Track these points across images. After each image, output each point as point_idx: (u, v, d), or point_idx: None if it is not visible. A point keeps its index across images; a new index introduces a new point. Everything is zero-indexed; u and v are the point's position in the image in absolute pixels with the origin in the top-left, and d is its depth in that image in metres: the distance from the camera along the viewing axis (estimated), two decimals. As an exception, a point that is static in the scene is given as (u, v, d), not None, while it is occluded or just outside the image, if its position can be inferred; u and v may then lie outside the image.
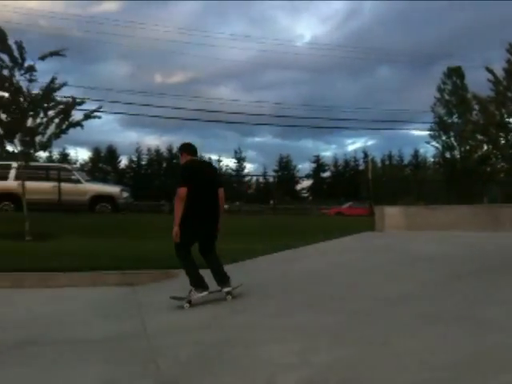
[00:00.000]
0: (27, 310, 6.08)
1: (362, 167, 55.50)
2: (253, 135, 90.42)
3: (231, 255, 7.91)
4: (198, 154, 6.31)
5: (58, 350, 4.37)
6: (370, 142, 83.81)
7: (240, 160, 57.10)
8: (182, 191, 5.48)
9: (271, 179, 50.40)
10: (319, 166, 59.92)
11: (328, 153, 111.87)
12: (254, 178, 56.14)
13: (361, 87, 77.62)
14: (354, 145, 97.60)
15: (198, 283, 5.66)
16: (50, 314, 5.91)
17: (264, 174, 55.27)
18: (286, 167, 58.74)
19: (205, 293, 5.66)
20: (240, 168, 57.00)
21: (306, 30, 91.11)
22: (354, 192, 40.66)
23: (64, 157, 50.94)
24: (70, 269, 7.86)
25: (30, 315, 5.82)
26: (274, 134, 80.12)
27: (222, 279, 5.73)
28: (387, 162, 58.04)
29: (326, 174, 60.85)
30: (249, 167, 65.14)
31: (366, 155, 56.90)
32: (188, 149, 5.95)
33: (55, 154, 50.16)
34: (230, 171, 55.35)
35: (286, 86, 78.91)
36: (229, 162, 67.99)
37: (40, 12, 60.71)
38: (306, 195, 57.67)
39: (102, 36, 62.28)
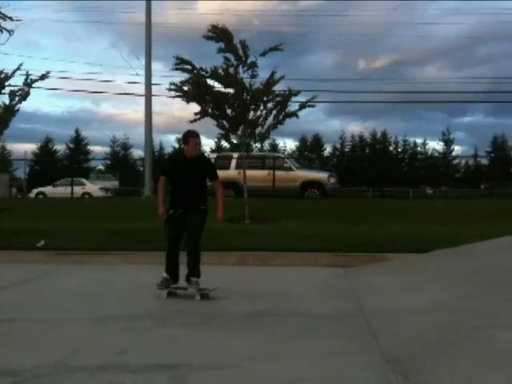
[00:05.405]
0: (251, 285, 6.69)
1: None
2: (462, 115, 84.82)
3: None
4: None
5: (286, 322, 4.87)
6: None
7: (448, 142, 53.58)
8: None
9: (484, 161, 46.15)
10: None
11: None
12: (463, 161, 52.38)
13: None
14: None
15: None
16: (273, 289, 6.41)
17: (475, 156, 50.98)
18: (501, 148, 53.35)
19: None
20: (448, 150, 53.60)
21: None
22: None
23: (273, 147, 53.51)
24: (287, 249, 8.53)
25: (255, 290, 6.37)
26: (485, 113, 73.65)
27: None
28: None
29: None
30: (457, 149, 60.55)
31: None
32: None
33: (266, 145, 52.79)
34: (436, 154, 52.54)
35: (502, 60, 71.30)
36: (435, 145, 64.10)
37: (252, 12, 64.13)
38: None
39: (310, 28, 63.40)
